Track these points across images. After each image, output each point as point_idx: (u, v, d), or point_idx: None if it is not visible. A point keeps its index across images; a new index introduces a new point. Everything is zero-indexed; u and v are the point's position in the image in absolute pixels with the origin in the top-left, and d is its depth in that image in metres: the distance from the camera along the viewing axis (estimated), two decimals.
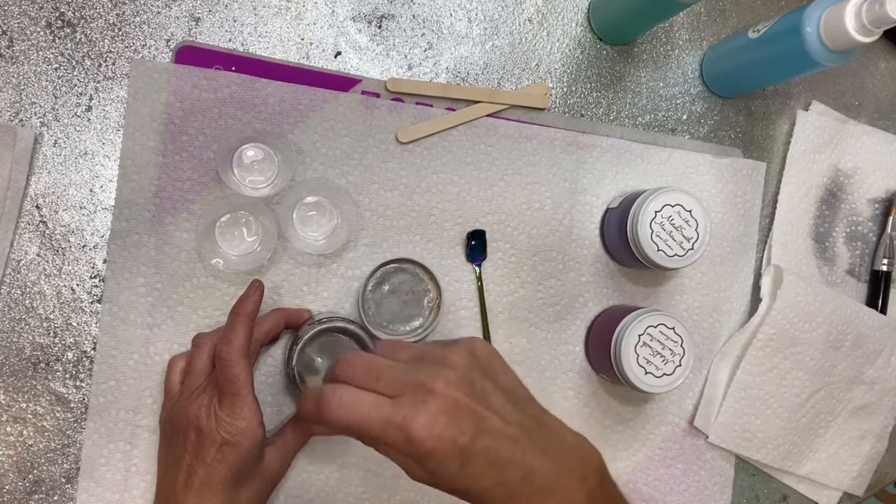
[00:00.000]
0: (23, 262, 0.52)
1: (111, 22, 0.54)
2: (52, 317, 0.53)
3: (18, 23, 0.53)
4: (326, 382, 0.39)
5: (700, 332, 0.64)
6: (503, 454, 0.36)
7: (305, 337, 0.51)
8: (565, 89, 0.63)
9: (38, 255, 0.53)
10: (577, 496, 0.37)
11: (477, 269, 0.59)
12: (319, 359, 0.53)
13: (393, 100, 0.58)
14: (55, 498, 0.52)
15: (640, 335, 0.55)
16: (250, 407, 0.47)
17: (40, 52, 0.53)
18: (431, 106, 0.59)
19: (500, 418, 0.37)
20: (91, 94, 0.54)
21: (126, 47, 0.54)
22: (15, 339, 0.52)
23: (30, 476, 0.52)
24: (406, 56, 0.59)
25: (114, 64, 0.54)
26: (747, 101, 0.67)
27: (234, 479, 0.47)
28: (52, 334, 0.53)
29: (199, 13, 0.56)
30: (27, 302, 0.52)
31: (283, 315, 0.53)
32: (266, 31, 0.57)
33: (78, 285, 0.53)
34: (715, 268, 0.65)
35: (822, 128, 0.67)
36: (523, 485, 0.36)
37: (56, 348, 0.53)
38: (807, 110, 0.67)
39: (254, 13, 0.56)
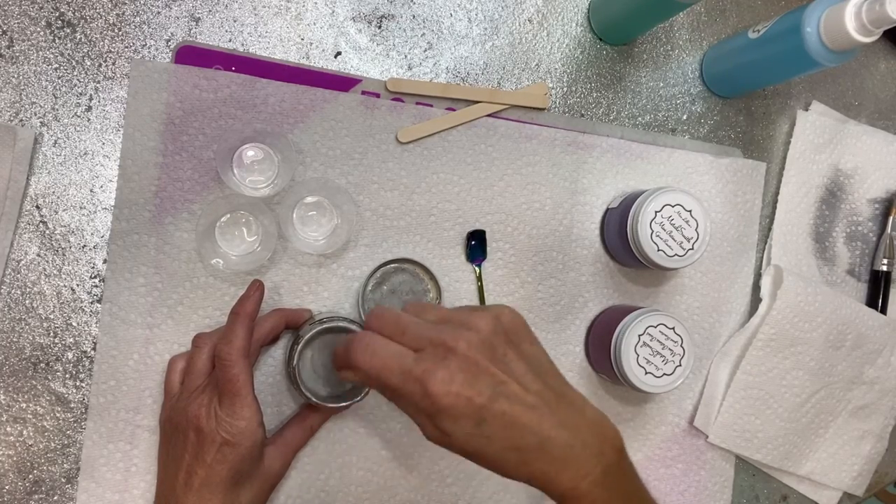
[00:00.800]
0: (23, 262, 0.52)
1: (111, 22, 0.54)
2: (52, 317, 0.53)
3: (18, 23, 0.53)
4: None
5: (700, 332, 0.64)
6: (520, 420, 0.36)
7: (306, 337, 0.51)
8: (565, 89, 0.63)
9: (38, 255, 0.53)
10: (592, 470, 0.37)
11: (477, 269, 0.59)
12: (320, 359, 0.53)
13: (393, 100, 0.58)
14: (55, 498, 0.52)
15: (640, 335, 0.55)
16: (250, 407, 0.47)
17: (40, 52, 0.53)
18: (431, 106, 0.59)
19: (520, 385, 0.37)
20: (91, 94, 0.54)
21: (126, 47, 0.54)
22: (15, 339, 0.52)
23: (30, 476, 0.52)
24: (406, 56, 0.59)
25: (114, 64, 0.54)
26: (747, 101, 0.67)
27: (234, 480, 0.47)
28: (52, 334, 0.53)
29: (199, 13, 0.56)
30: (27, 302, 0.52)
31: (283, 315, 0.53)
32: (266, 31, 0.57)
33: (78, 285, 0.53)
34: (715, 268, 0.65)
35: (822, 128, 0.67)
36: (538, 453, 0.36)
37: (56, 348, 0.53)
38: (807, 110, 0.67)
39: (254, 13, 0.56)
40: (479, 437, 0.36)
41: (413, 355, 0.37)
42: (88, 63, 0.54)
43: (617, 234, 0.59)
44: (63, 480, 0.52)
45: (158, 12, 0.55)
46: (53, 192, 0.53)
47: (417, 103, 0.59)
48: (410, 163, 0.58)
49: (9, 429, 0.52)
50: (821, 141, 0.67)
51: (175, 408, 0.49)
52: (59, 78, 0.53)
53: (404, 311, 0.41)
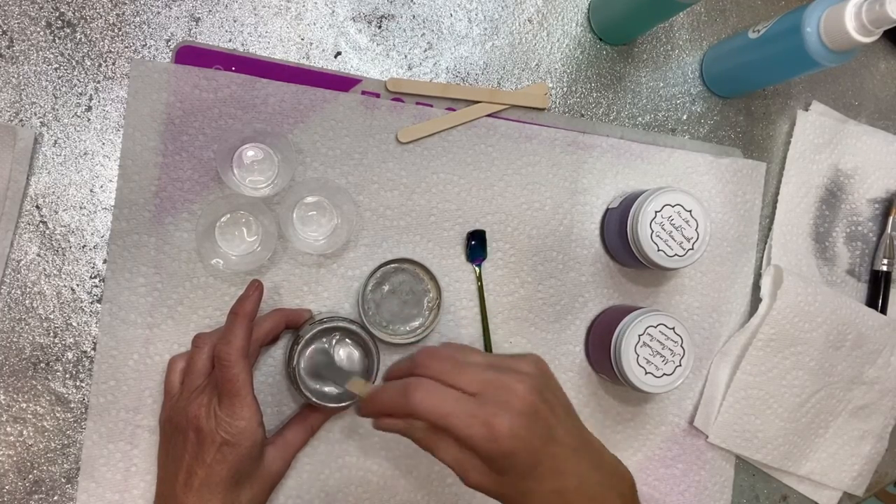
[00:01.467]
0: (23, 262, 0.52)
1: (111, 22, 0.54)
2: (52, 317, 0.53)
3: (18, 23, 0.53)
4: (404, 373, 0.42)
5: (700, 332, 0.64)
6: (565, 463, 0.38)
7: (306, 337, 0.51)
8: (565, 89, 0.63)
9: (38, 255, 0.53)
10: None
11: (477, 269, 0.59)
12: (321, 358, 0.53)
13: (393, 100, 0.58)
14: (55, 498, 0.52)
15: (640, 335, 0.55)
16: (250, 407, 0.47)
17: (40, 52, 0.53)
18: (431, 106, 0.59)
19: (563, 429, 0.39)
20: (91, 94, 0.54)
21: (126, 47, 0.54)
22: (15, 339, 0.52)
23: (30, 476, 0.52)
24: (406, 56, 0.59)
25: (114, 64, 0.54)
26: (747, 101, 0.67)
27: (234, 480, 0.47)
28: (52, 334, 0.53)
29: (199, 13, 0.56)
30: (27, 302, 0.52)
31: (282, 315, 0.53)
32: (266, 31, 0.57)
33: (78, 285, 0.53)
34: (715, 268, 0.65)
35: (822, 128, 0.67)
36: (577, 493, 0.39)
37: (56, 348, 0.53)
38: (807, 110, 0.67)
39: (254, 13, 0.56)
40: (530, 480, 0.37)
41: (473, 399, 0.38)
42: (88, 63, 0.54)
43: (617, 234, 0.59)
44: (63, 480, 0.52)
45: (158, 12, 0.55)
46: (53, 192, 0.53)
47: (417, 103, 0.59)
48: (410, 163, 0.58)
49: (9, 429, 0.52)
50: (821, 141, 0.67)
51: (175, 408, 0.49)
52: (59, 78, 0.53)
53: (446, 347, 0.43)
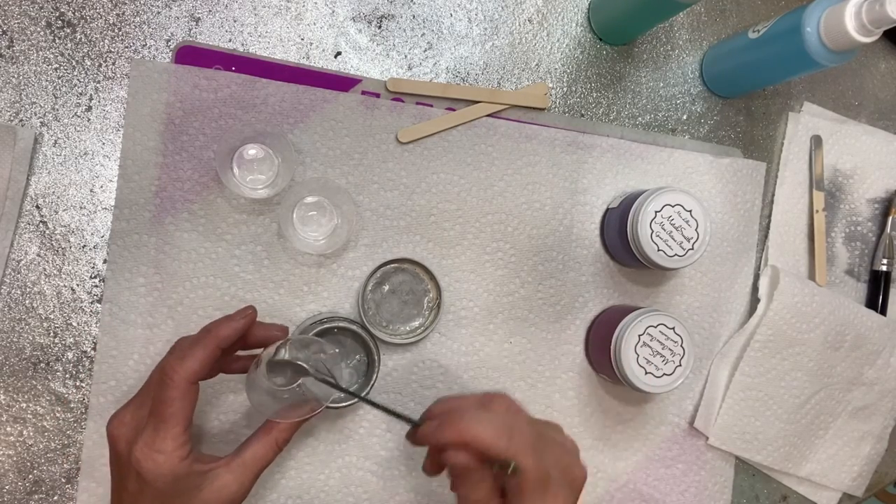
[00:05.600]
0: (23, 262, 0.52)
1: (111, 22, 0.54)
2: (52, 317, 0.53)
3: (18, 23, 0.53)
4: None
5: (700, 332, 0.64)
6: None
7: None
8: (565, 89, 0.63)
9: (38, 255, 0.53)
10: None
11: None
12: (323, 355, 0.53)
13: (393, 100, 0.58)
14: (55, 498, 0.52)
15: (640, 335, 0.55)
16: (175, 440, 0.41)
17: (40, 52, 0.53)
18: (431, 106, 0.59)
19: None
20: (91, 94, 0.54)
21: (126, 47, 0.54)
22: (15, 339, 0.52)
23: (30, 476, 0.52)
24: (406, 56, 0.59)
25: (114, 64, 0.54)
26: (747, 101, 0.67)
27: None
28: (52, 334, 0.53)
29: (199, 13, 0.56)
30: (27, 302, 0.52)
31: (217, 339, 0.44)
32: (266, 31, 0.57)
33: (78, 285, 0.53)
34: (715, 268, 0.65)
35: (815, 129, 0.67)
36: None
37: (56, 348, 0.53)
38: (799, 111, 0.67)
39: (254, 13, 0.56)
40: None
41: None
42: (88, 63, 0.54)
43: (617, 234, 0.59)
44: (63, 480, 0.52)
45: (158, 12, 0.55)
46: (53, 192, 0.53)
47: (417, 103, 0.59)
48: (410, 163, 0.58)
49: (9, 429, 0.52)
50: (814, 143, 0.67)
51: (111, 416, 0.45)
52: (59, 78, 0.53)
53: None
